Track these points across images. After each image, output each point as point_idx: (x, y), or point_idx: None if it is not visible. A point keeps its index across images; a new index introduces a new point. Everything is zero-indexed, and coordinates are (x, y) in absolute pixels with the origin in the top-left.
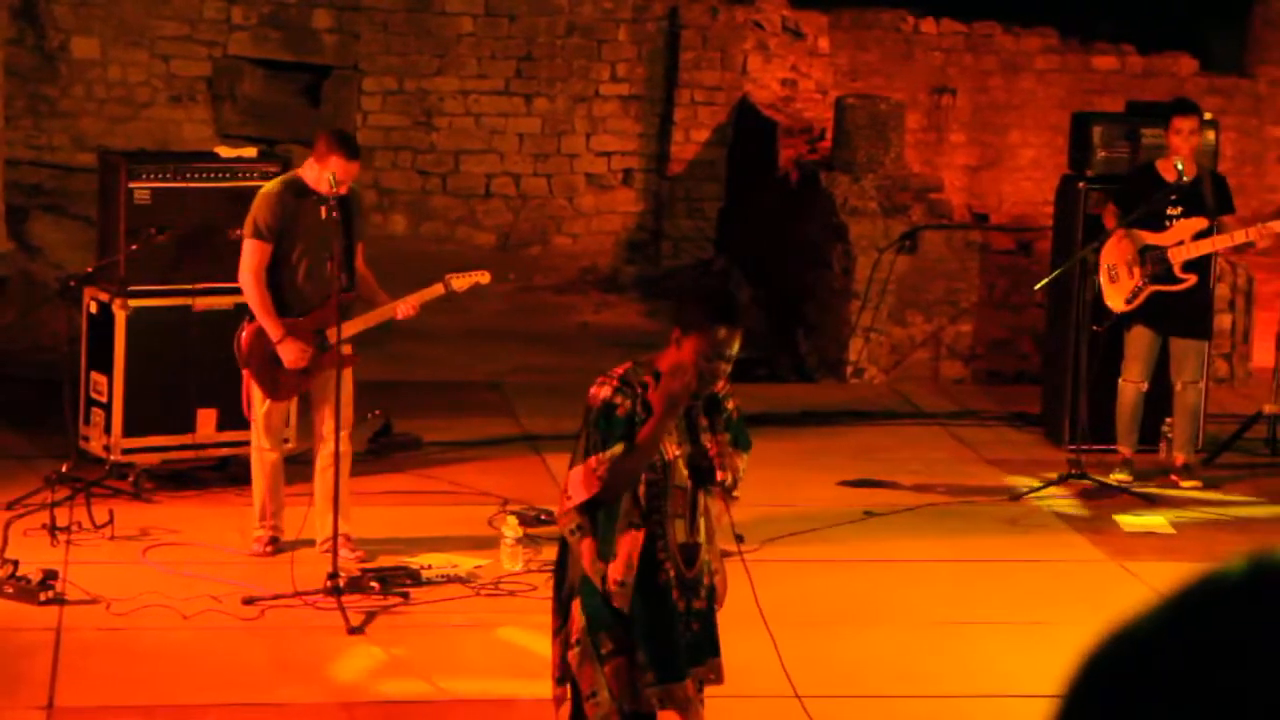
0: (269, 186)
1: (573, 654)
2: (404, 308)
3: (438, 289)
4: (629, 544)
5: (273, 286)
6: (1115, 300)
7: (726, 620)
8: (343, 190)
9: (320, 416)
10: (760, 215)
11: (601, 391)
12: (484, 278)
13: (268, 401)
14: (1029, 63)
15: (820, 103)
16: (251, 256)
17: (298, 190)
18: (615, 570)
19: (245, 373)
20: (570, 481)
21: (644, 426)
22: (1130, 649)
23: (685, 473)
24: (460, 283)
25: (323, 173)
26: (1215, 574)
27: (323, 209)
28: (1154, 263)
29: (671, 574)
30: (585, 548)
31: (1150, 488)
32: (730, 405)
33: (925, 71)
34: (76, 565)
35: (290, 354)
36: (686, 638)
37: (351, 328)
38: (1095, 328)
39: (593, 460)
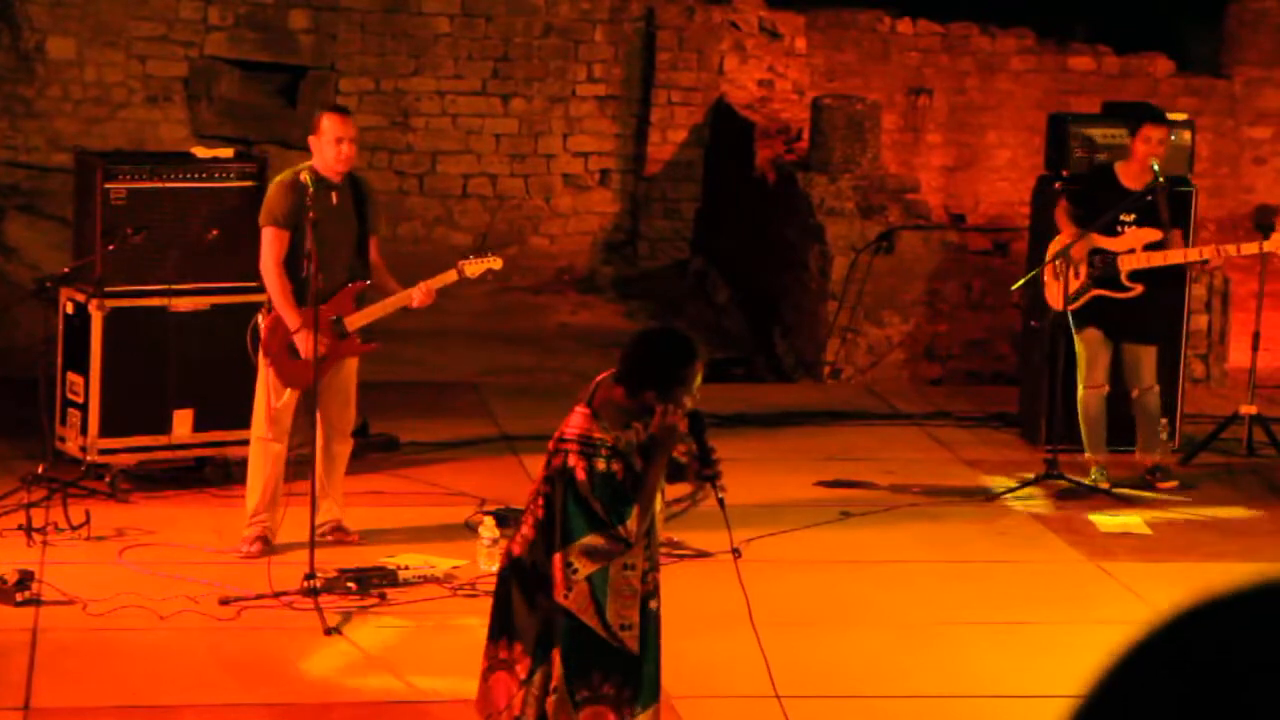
0: (282, 175)
1: (550, 700)
2: (419, 295)
3: (451, 275)
4: (628, 586)
5: (290, 276)
6: (1055, 298)
7: (709, 621)
8: (348, 152)
9: (329, 410)
10: (737, 216)
11: (580, 464)
12: (496, 264)
13: (286, 392)
14: (1005, 63)
15: (797, 103)
16: (270, 245)
17: (312, 178)
18: (614, 617)
19: (264, 362)
20: (575, 555)
21: (644, 480)
22: (1142, 663)
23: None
24: (473, 269)
25: (323, 143)
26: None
27: (334, 194)
28: (1101, 266)
29: (652, 606)
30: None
31: (1126, 488)
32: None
33: (902, 72)
34: (53, 566)
35: (307, 343)
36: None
37: (366, 316)
38: (1033, 323)
39: (618, 531)
